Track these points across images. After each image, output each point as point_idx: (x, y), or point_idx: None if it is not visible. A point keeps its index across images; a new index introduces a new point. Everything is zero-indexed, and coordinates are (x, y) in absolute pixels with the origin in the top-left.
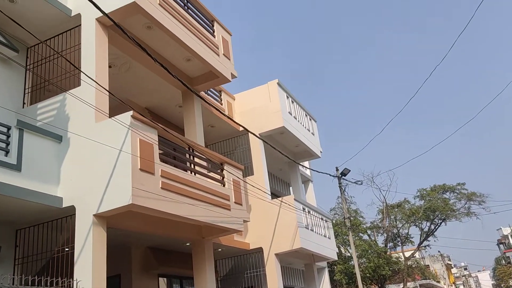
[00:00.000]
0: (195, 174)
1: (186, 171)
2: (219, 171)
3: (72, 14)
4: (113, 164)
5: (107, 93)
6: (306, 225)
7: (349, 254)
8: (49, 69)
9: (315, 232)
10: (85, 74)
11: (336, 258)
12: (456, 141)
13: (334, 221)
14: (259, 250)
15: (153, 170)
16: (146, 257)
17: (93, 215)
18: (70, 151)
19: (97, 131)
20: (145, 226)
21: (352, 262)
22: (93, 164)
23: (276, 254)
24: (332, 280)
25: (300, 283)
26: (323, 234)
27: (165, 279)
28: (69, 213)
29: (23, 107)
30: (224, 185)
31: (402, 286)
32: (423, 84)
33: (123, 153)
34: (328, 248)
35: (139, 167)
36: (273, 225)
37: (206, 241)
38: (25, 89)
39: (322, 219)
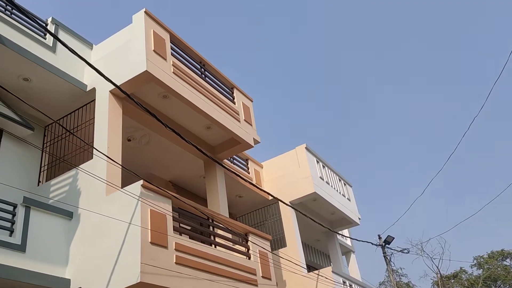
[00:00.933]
0: (215, 247)
1: (205, 244)
2: (244, 242)
3: (88, 89)
4: (122, 239)
5: (119, 165)
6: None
7: None
8: (65, 145)
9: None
10: (94, 147)
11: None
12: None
13: None
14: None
15: (166, 243)
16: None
17: None
18: (80, 228)
19: (108, 205)
20: None
21: None
22: (103, 240)
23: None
24: None
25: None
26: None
27: None
28: None
29: (37, 185)
30: (249, 258)
31: None
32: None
33: (132, 227)
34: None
35: (149, 241)
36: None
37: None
38: (41, 167)
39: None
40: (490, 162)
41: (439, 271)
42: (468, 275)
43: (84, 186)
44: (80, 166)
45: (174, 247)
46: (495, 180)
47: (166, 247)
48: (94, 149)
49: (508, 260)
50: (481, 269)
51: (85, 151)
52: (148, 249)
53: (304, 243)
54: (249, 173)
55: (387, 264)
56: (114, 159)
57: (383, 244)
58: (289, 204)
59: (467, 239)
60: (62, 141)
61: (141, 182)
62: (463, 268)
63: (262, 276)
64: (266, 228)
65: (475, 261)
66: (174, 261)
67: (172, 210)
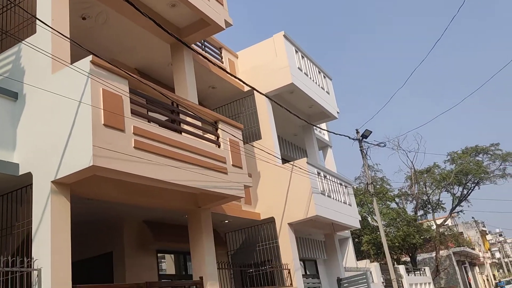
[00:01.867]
0: (181, 133)
1: (170, 130)
2: (213, 130)
3: None
4: (72, 120)
5: (66, 38)
6: (322, 191)
7: (376, 224)
8: (6, 19)
9: (333, 198)
10: (37, 18)
11: (359, 227)
12: (485, 100)
13: (358, 189)
14: (271, 221)
15: (123, 126)
16: (141, 232)
17: (51, 181)
18: (26, 110)
19: (55, 83)
20: (126, 195)
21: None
22: (51, 122)
23: (290, 224)
24: (359, 251)
25: (321, 255)
26: (342, 201)
27: (172, 255)
28: (29, 182)
29: None
30: (219, 146)
31: (435, 254)
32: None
33: (83, 107)
34: (349, 216)
35: (102, 122)
36: (285, 192)
37: (202, 211)
38: None
39: (341, 184)
40: (472, 57)
41: (413, 166)
42: (441, 169)
43: (29, 64)
44: (23, 41)
45: (132, 131)
46: (476, 76)
47: (123, 131)
48: (38, 22)
49: (480, 155)
50: (454, 164)
51: (29, 26)
52: (101, 131)
53: (281, 137)
54: (222, 63)
55: (363, 158)
56: (61, 32)
57: (360, 138)
58: (264, 94)
59: (442, 136)
60: (3, 14)
61: (90, 57)
62: (436, 163)
63: (233, 165)
64: (240, 121)
65: (448, 156)
66: (133, 145)
67: (130, 92)
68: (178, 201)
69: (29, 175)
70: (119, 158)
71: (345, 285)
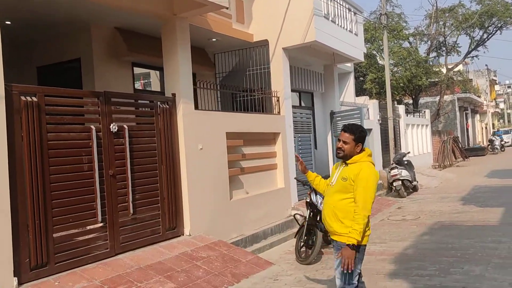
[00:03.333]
0: None
1: None
2: None
3: None
4: None
5: None
6: (326, 14)
7: (384, 63)
8: None
9: (338, 24)
10: None
11: (362, 59)
12: None
13: (369, 23)
14: (265, 44)
15: None
16: (112, 39)
17: None
18: None
19: None
20: None
21: None
22: None
23: (284, 49)
24: (361, 89)
25: (319, 88)
26: (348, 29)
27: (157, 72)
28: None
29: None
30: None
31: (439, 98)
32: None
33: None
34: (353, 47)
35: None
36: (283, 12)
37: (178, 19)
38: None
39: (349, 10)
40: None
41: (436, 2)
42: (466, 9)
43: None
44: None
45: None
46: None
47: None
48: None
49: None
50: (480, 5)
51: None
52: None
53: None
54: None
55: None
56: None
57: None
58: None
59: None
60: None
61: None
62: (462, 3)
63: None
64: None
65: None
66: None
67: None
68: (151, 4)
69: None
70: None
71: (337, 118)
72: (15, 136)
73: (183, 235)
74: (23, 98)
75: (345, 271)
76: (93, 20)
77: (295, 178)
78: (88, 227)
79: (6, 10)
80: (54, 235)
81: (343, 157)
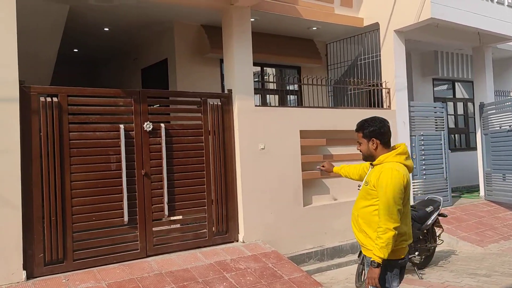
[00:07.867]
0: None
1: None
2: None
3: None
4: None
5: None
6: None
7: None
8: None
9: None
10: None
11: None
12: None
13: None
14: (376, 28)
15: None
16: (197, 37)
17: None
18: None
19: None
20: None
21: None
22: None
23: (397, 31)
24: None
25: (464, 74)
26: None
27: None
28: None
29: None
30: None
31: None
32: None
33: None
34: (503, 21)
35: None
36: None
37: (234, 9)
38: None
39: None
40: None
41: None
42: None
43: None
44: None
45: None
46: None
47: None
48: None
49: None
50: None
51: None
52: None
53: None
54: None
55: None
56: None
57: None
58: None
59: None
60: None
61: None
62: None
63: None
64: None
65: None
66: None
67: None
68: None
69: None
70: None
71: (489, 112)
72: (32, 135)
73: (236, 241)
74: (42, 99)
75: None
76: (176, 19)
77: None
78: (113, 227)
79: (105, 18)
80: (74, 232)
81: (366, 159)
